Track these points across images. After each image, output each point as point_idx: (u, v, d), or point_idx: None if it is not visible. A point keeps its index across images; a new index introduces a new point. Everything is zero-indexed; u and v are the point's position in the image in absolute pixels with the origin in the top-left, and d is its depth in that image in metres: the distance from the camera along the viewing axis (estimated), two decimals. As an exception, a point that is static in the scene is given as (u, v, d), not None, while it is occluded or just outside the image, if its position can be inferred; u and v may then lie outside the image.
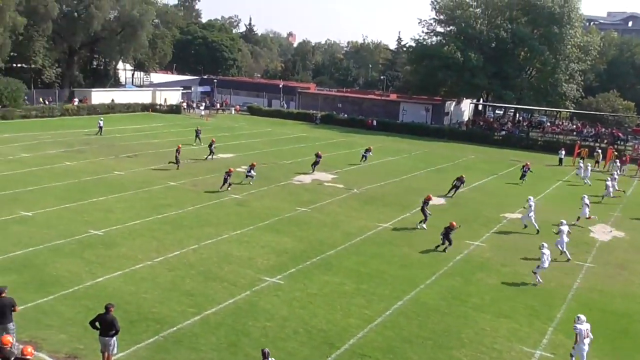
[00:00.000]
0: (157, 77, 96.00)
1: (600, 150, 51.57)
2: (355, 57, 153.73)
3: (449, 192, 33.15)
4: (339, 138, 58.90)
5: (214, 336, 15.20)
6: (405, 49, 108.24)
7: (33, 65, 68.07)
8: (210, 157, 39.78)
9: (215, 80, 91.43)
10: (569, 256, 22.84)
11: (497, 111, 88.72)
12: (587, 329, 14.42)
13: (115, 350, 13.40)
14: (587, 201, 28.56)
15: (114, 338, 13.28)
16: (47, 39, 67.81)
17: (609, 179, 37.02)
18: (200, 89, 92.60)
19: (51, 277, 18.15)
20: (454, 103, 79.87)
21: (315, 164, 37.70)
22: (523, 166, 40.23)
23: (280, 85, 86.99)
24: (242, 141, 50.93)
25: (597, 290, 20.09)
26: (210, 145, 40.43)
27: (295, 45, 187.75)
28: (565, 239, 22.83)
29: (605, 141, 59.76)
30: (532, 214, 26.73)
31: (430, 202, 27.13)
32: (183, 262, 20.05)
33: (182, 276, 18.80)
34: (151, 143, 46.49)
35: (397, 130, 66.91)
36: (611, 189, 35.09)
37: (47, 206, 25.88)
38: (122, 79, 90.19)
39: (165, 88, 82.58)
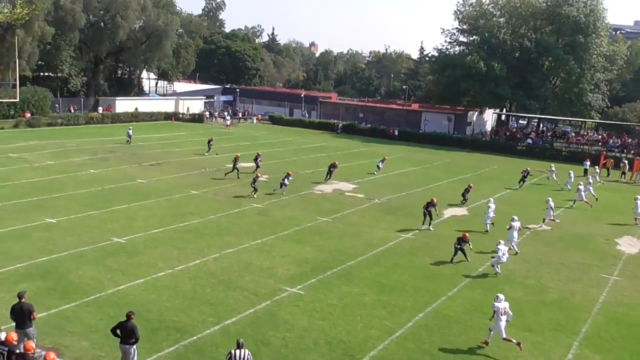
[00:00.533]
0: (181, 86, 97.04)
1: (626, 161, 50.76)
2: (377, 67, 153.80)
3: (462, 199, 33.51)
4: (360, 148, 58.80)
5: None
6: (427, 58, 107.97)
7: (60, 74, 69.28)
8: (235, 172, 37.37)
9: (237, 90, 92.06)
10: (517, 249, 24.37)
11: (520, 121, 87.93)
12: (504, 307, 15.92)
13: (135, 358, 13.43)
14: (551, 204, 29.69)
15: (134, 346, 13.31)
16: (73, 49, 69.10)
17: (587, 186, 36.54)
18: (222, 98, 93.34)
19: (74, 284, 18.31)
20: (476, 113, 79.34)
21: (329, 173, 37.50)
22: (523, 171, 40.78)
23: (302, 95, 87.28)
24: (263, 150, 51.07)
25: (624, 304, 19.67)
26: (256, 159, 39.38)
27: (317, 55, 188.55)
28: (515, 234, 24.27)
29: (632, 152, 58.82)
30: (491, 214, 27.82)
31: (445, 211, 27.38)
32: (204, 270, 20.09)
33: (203, 285, 18.83)
34: (174, 152, 46.88)
35: (419, 140, 66.65)
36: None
37: (71, 213, 26.18)
38: (146, 88, 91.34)
39: (188, 97, 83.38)
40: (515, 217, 25.14)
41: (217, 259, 21.31)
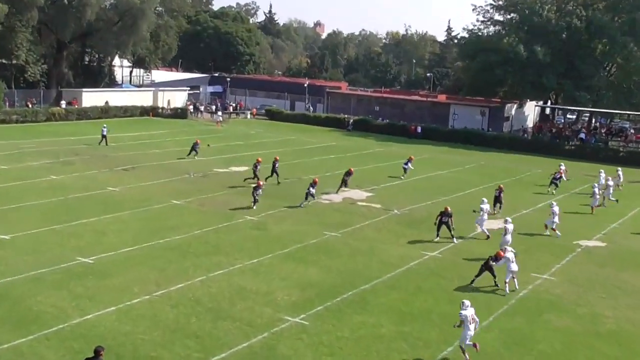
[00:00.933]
0: (160, 75, 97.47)
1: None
2: (396, 51, 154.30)
3: (494, 206, 33.75)
4: (376, 148, 58.82)
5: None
6: (456, 41, 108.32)
7: (15, 62, 69.43)
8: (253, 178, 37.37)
9: (228, 79, 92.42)
10: (487, 234, 28.21)
11: (568, 116, 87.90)
12: (471, 314, 17.13)
13: (106, 403, 13.42)
14: (555, 209, 30.40)
15: (105, 388, 13.30)
16: (31, 31, 69.18)
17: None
18: (210, 89, 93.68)
19: (31, 313, 18.33)
20: (515, 106, 79.28)
21: (344, 182, 37.02)
22: (554, 173, 41.76)
23: (306, 85, 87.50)
24: (259, 151, 51.10)
25: (696, 338, 19.55)
26: (274, 167, 38.90)
27: (323, 37, 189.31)
28: (485, 217, 27.66)
29: None
30: (485, 216, 29.19)
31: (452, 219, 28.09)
32: (188, 297, 20.10)
33: (188, 314, 18.84)
34: (152, 154, 47.04)
35: (446, 138, 66.69)
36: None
37: (28, 228, 26.22)
38: (119, 78, 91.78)
39: (169, 88, 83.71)
40: (485, 199, 29.13)
41: (204, 283, 21.32)
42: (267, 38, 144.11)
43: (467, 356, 16.77)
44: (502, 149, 62.34)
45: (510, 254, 22.75)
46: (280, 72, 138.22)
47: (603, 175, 41.69)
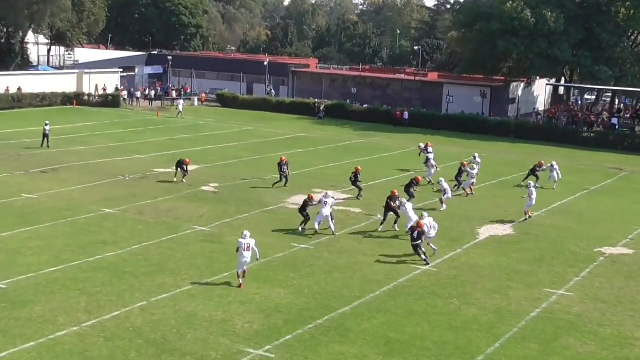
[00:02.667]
0: (85, 54, 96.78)
1: None
2: (376, 20, 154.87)
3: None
4: (354, 139, 58.98)
5: None
6: (449, 6, 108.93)
7: None
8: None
9: (169, 58, 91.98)
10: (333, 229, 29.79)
11: (586, 96, 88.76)
12: (247, 243, 23.07)
13: None
14: (533, 190, 33.84)
15: None
16: None
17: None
18: (147, 70, 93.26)
19: None
20: (522, 85, 79.92)
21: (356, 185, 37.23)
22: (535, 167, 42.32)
23: (266, 63, 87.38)
24: (209, 146, 51.06)
25: None
26: (281, 169, 38.96)
27: (286, 3, 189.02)
28: (325, 210, 29.48)
29: None
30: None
31: (481, 229, 29.12)
32: (126, 326, 19.99)
33: (125, 348, 18.74)
34: (77, 151, 46.68)
35: (439, 125, 67.11)
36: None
37: None
38: (34, 58, 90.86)
39: (97, 70, 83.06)
40: (329, 193, 31.53)
41: (145, 309, 21.21)
42: (218, 6, 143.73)
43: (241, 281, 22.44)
44: (507, 138, 62.95)
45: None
46: (234, 48, 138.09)
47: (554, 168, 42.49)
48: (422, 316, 21.79)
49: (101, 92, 75.73)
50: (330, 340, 19.80)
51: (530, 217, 33.61)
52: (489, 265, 26.53)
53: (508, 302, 23.11)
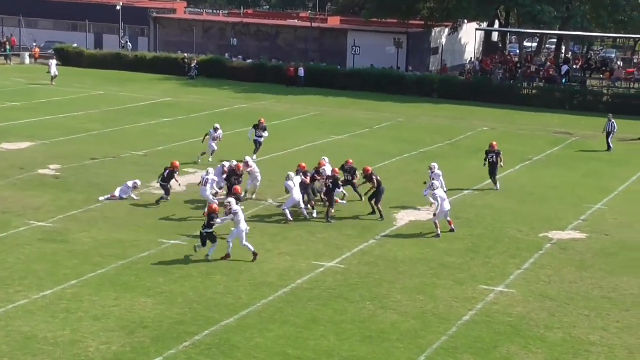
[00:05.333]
0: None
1: None
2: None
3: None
4: (236, 103, 58.91)
5: None
6: None
7: None
8: None
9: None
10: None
11: (526, 43, 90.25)
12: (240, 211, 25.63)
13: None
14: (436, 172, 33.11)
15: None
16: None
17: None
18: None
19: None
20: (446, 31, 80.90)
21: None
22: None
23: (119, 7, 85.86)
24: (47, 116, 50.22)
25: None
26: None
27: None
28: (208, 190, 31.26)
29: None
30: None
31: (398, 214, 29.51)
32: (-58, 355, 19.59)
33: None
34: None
35: (344, 84, 67.71)
36: None
37: None
38: None
39: None
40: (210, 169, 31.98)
41: (-32, 332, 20.82)
42: None
43: None
44: (429, 98, 63.90)
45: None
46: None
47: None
48: (327, 326, 21.92)
49: None
50: (212, 361, 19.83)
51: (452, 230, 30.33)
52: (409, 259, 26.88)
53: (434, 304, 23.45)
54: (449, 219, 29.99)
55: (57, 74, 66.10)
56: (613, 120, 46.63)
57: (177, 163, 33.16)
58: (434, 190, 30.42)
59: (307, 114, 53.15)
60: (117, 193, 33.03)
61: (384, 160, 41.49)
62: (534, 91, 64.73)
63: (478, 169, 37.76)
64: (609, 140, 46.35)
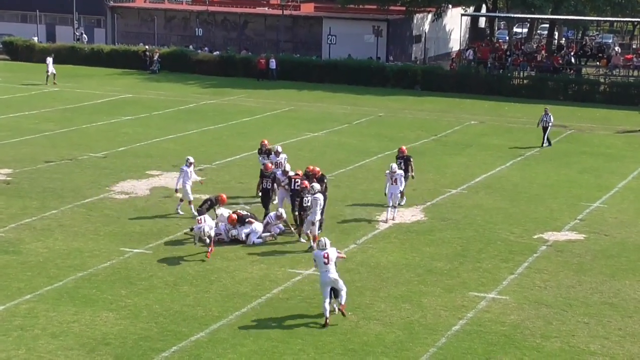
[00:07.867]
0: None
1: None
2: None
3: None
4: (203, 99, 58.87)
5: None
6: None
7: None
8: None
9: None
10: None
11: (516, 29, 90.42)
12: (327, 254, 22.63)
13: None
14: (395, 168, 31.70)
15: None
16: None
17: None
18: None
19: None
20: (429, 17, 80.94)
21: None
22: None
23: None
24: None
25: None
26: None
27: None
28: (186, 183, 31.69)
29: None
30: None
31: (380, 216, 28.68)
32: None
33: None
34: None
35: (319, 77, 67.97)
36: None
37: None
38: None
39: None
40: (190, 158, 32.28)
41: None
42: None
43: None
44: (412, 90, 64.09)
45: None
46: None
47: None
48: (306, 338, 21.75)
49: None
50: (180, 382, 19.63)
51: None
52: (393, 265, 26.71)
53: (422, 313, 23.33)
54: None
55: (54, 72, 65.50)
56: (550, 114, 46.01)
57: (225, 197, 30.91)
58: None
59: (280, 110, 53.01)
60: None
61: (364, 159, 41.49)
62: (525, 81, 64.74)
63: (466, 167, 37.72)
64: (546, 135, 45.87)
